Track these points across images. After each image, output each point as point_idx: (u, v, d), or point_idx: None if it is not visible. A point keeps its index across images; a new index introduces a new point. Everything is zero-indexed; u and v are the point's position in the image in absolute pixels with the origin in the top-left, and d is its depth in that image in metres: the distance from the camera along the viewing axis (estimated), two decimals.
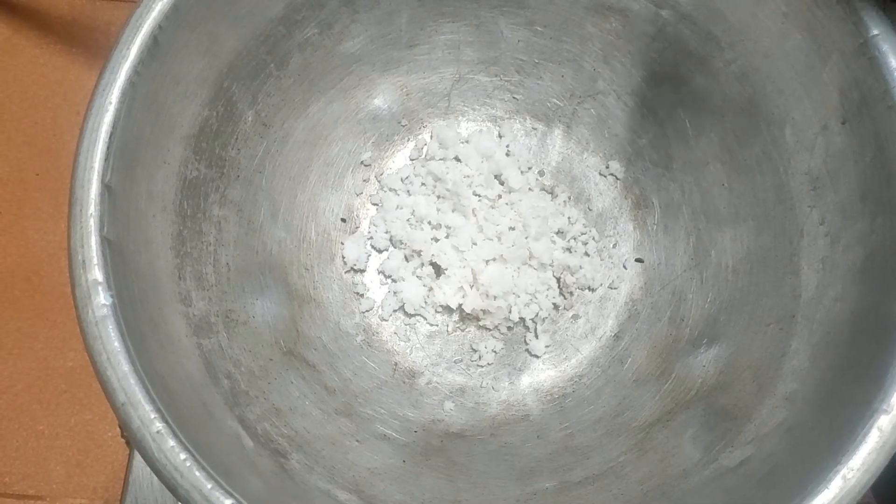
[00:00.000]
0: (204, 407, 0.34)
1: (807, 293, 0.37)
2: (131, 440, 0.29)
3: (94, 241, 0.31)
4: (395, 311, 0.46)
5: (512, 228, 0.46)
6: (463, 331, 0.46)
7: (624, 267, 0.46)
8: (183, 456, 0.29)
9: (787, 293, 0.38)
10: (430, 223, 0.46)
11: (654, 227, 0.46)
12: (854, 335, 0.34)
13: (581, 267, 0.46)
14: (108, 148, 0.32)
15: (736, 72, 0.39)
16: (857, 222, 0.35)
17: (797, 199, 0.38)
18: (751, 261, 0.40)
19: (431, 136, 0.48)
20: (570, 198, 0.48)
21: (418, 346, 0.45)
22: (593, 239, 0.47)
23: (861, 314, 0.34)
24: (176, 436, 0.29)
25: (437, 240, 0.46)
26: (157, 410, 0.29)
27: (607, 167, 0.47)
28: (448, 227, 0.45)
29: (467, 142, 0.48)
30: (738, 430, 0.36)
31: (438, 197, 0.46)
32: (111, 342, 0.30)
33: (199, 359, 0.35)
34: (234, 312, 0.39)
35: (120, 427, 0.30)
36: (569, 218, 0.47)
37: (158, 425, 0.29)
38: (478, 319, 0.45)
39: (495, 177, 0.47)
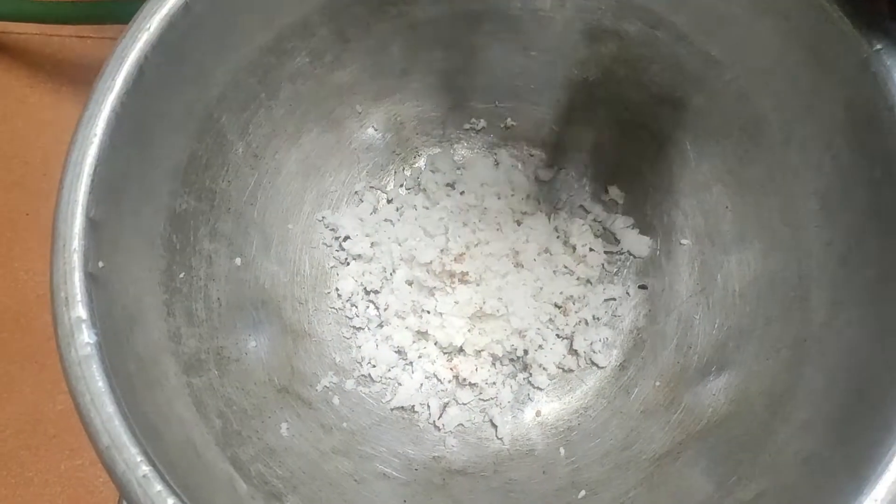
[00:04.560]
0: (194, 448, 0.32)
1: (818, 316, 0.36)
2: (116, 485, 0.28)
3: (77, 277, 0.30)
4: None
5: (511, 257, 0.45)
6: (463, 364, 0.44)
7: (628, 294, 0.45)
8: (171, 501, 0.28)
9: (797, 317, 0.37)
10: (425, 254, 0.45)
11: (657, 252, 0.45)
12: (869, 358, 0.33)
13: (584, 296, 0.45)
14: (92, 181, 0.31)
15: (736, 91, 0.39)
16: (867, 242, 0.34)
17: (804, 220, 0.37)
18: (758, 284, 0.39)
19: (426, 165, 0.47)
20: (570, 225, 0.47)
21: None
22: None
23: (876, 337, 0.33)
24: (164, 479, 0.28)
25: (433, 270, 0.44)
26: (144, 453, 0.28)
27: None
28: (444, 258, 0.44)
29: (463, 169, 0.47)
30: (752, 461, 0.34)
31: (434, 226, 0.45)
32: (95, 382, 0.28)
33: (189, 398, 0.34)
34: (226, 349, 0.38)
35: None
36: (572, 246, 0.46)
37: (145, 469, 0.28)
38: (479, 353, 0.44)
39: (493, 204, 0.46)
